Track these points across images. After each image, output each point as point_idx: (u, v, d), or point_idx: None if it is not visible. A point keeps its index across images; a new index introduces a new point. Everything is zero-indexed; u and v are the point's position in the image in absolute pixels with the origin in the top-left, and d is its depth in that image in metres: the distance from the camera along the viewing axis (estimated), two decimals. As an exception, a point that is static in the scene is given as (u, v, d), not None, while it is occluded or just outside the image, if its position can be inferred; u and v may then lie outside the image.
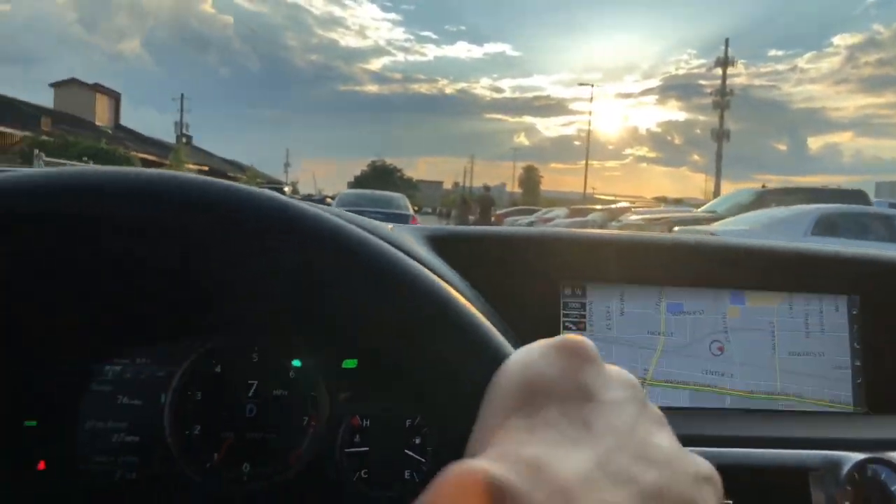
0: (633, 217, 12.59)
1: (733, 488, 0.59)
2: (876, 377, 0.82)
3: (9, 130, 23.07)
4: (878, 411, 0.81)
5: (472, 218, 18.60)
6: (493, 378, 0.29)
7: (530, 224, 20.27)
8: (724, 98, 35.57)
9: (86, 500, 0.66)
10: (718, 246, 0.85)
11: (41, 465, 0.65)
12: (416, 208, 15.22)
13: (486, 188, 18.03)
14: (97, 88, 38.58)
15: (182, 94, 44.74)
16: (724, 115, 35.13)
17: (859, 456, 0.62)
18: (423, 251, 0.68)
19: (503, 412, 0.26)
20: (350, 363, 0.69)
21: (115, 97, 40.57)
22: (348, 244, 0.47)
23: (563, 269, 0.79)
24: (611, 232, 0.89)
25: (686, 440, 0.61)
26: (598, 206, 20.27)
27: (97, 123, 36.20)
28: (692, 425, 0.69)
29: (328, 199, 26.08)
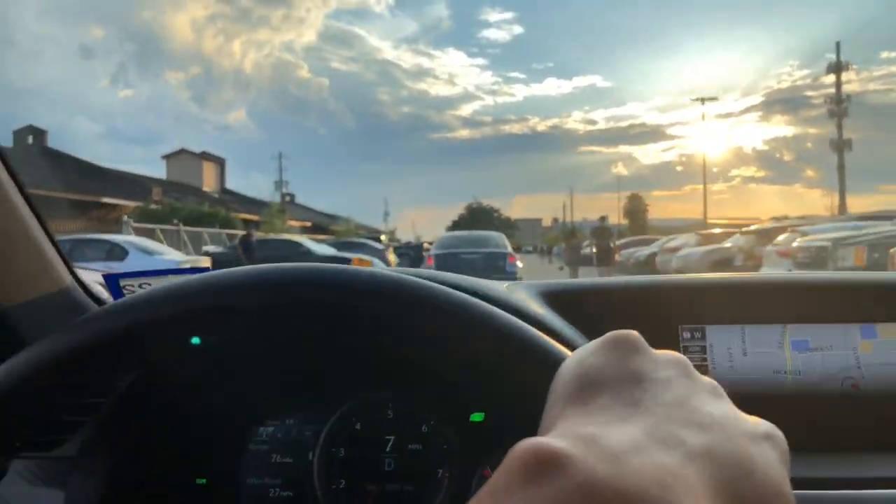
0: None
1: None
2: None
3: (122, 202, 25.57)
4: None
5: (584, 252, 17.60)
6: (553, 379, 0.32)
7: (652, 255, 18.78)
8: (840, 105, 33.49)
9: None
10: (841, 280, 0.85)
11: (212, 519, 0.75)
12: (515, 247, 14.86)
13: (602, 219, 15.71)
14: (204, 156, 41.87)
15: (280, 154, 47.54)
16: (841, 123, 33.04)
17: None
18: (539, 307, 0.74)
19: (561, 404, 0.29)
20: (477, 417, 0.76)
21: (220, 163, 43.81)
22: (471, 316, 0.54)
23: (681, 313, 0.83)
24: (727, 274, 0.91)
25: (820, 483, 0.62)
26: (719, 230, 18.33)
27: (204, 189, 39.13)
28: (824, 468, 0.70)
29: (426, 245, 26.70)
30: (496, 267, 11.80)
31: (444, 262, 12.14)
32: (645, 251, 21.14)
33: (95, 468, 0.68)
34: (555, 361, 0.31)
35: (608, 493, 0.21)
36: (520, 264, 13.07)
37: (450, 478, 0.75)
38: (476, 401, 0.75)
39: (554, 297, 0.76)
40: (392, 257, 20.90)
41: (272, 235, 21.72)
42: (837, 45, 34.97)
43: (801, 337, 0.84)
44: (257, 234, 17.88)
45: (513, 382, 0.54)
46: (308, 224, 41.37)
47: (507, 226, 70.51)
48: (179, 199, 29.32)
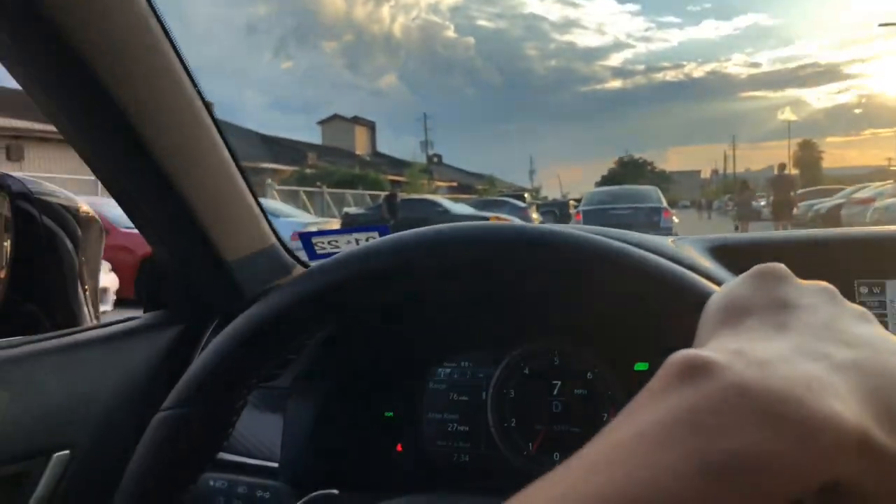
0: None
1: None
2: None
3: (280, 167, 27.70)
4: None
5: (755, 204, 16.07)
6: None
7: (836, 208, 16.66)
8: None
9: (432, 476, 0.86)
10: None
11: (399, 448, 0.86)
12: (670, 202, 14.01)
13: (782, 167, 14.11)
14: (356, 121, 43.85)
15: (424, 115, 48.43)
16: None
17: None
18: (707, 262, 0.75)
19: (710, 330, 0.30)
20: (641, 366, 0.80)
21: (371, 126, 45.65)
22: (640, 267, 0.58)
23: (858, 268, 0.81)
24: (909, 226, 0.87)
25: None
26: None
27: (357, 152, 41.01)
28: None
29: (572, 202, 26.28)
30: (650, 222, 11.32)
31: (593, 217, 11.82)
32: (826, 203, 18.69)
33: (307, 397, 0.82)
34: (706, 298, 0.33)
35: (755, 393, 0.23)
36: (675, 220, 12.47)
37: (615, 421, 0.80)
38: (640, 351, 0.79)
39: (723, 252, 0.78)
40: (535, 216, 20.64)
41: (414, 195, 22.35)
42: None
43: None
44: (401, 195, 18.44)
45: (673, 330, 0.58)
46: (454, 184, 42.20)
47: (662, 179, 67.37)
48: (333, 163, 31.04)
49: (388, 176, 31.47)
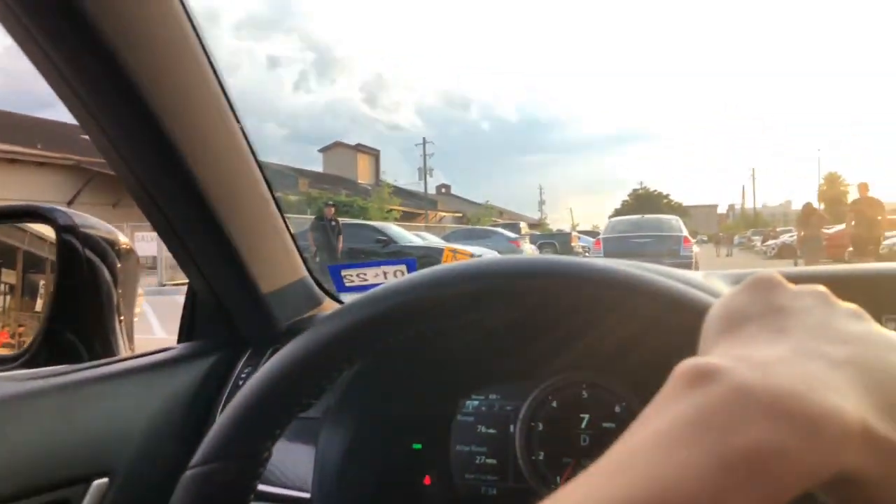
0: None
1: None
2: None
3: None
4: None
5: (825, 234, 13.49)
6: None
7: None
8: None
9: None
10: None
11: (426, 480, 0.92)
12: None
13: (864, 189, 11.58)
14: (359, 148, 44.26)
15: (423, 139, 48.41)
16: None
17: None
18: None
19: (712, 338, 0.33)
20: None
21: (374, 155, 46.07)
22: (668, 298, 0.63)
23: (889, 303, 0.85)
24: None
25: None
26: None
27: (359, 181, 41.31)
28: None
29: (574, 234, 26.17)
30: (670, 251, 11.62)
31: (613, 245, 12.35)
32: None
33: (338, 429, 0.87)
34: (706, 310, 0.36)
35: (760, 393, 0.26)
36: (696, 249, 12.68)
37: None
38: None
39: None
40: (529, 248, 19.56)
41: (355, 220, 21.18)
42: None
43: None
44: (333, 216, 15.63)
45: (685, 349, 0.63)
46: (460, 214, 42.53)
47: (679, 212, 67.32)
48: (327, 190, 31.29)
49: (389, 205, 31.67)
